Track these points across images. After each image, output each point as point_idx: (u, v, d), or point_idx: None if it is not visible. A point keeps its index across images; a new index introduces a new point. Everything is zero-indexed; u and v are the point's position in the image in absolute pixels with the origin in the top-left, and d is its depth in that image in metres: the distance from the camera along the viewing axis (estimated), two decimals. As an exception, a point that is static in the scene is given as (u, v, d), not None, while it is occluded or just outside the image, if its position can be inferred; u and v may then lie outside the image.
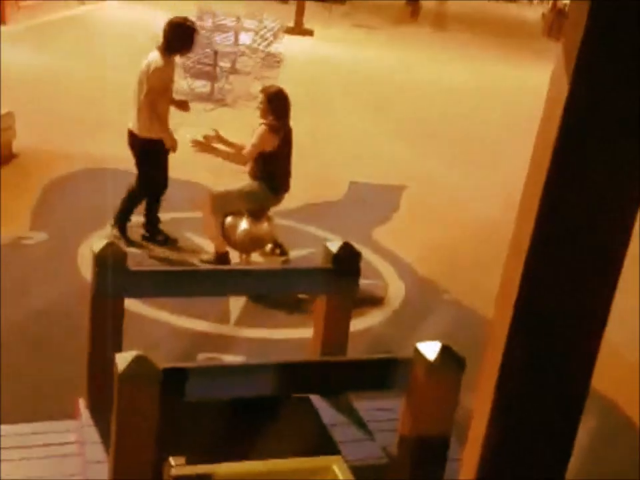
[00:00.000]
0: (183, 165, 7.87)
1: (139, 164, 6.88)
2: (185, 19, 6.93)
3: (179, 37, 6.74)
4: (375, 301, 6.43)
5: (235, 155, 6.57)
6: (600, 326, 1.88)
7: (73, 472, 3.67)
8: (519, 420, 1.93)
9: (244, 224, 6.46)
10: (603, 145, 1.72)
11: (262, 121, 6.43)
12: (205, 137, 6.56)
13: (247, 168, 6.54)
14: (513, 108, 14.76)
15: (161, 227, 7.10)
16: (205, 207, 6.52)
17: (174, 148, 6.78)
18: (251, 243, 6.56)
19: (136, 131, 6.76)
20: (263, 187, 6.45)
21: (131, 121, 6.81)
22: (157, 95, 6.64)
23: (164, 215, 7.19)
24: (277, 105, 6.42)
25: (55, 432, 3.95)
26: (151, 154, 6.80)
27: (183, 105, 7.12)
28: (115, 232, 6.80)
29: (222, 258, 6.52)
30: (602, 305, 1.86)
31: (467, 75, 17.93)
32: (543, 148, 1.76)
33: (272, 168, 6.46)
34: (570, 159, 1.73)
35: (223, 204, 6.44)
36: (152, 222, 7.05)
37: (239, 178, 6.76)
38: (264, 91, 6.62)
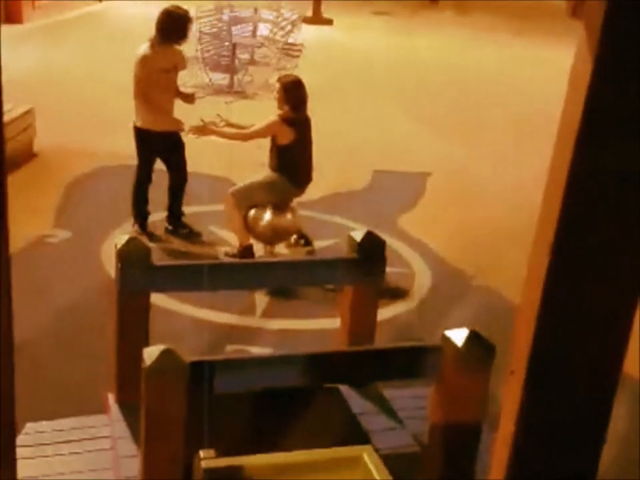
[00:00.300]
0: (203, 159, 7.87)
1: (138, 153, 6.93)
2: (178, 8, 6.82)
3: (172, 25, 6.65)
4: (402, 290, 6.39)
5: (235, 133, 6.61)
6: (630, 310, 1.84)
7: (104, 467, 3.68)
8: (549, 409, 1.90)
9: (267, 216, 6.44)
10: (628, 125, 1.68)
11: (279, 111, 6.41)
12: (203, 122, 6.55)
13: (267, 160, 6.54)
14: (540, 92, 14.63)
15: (185, 220, 7.09)
16: (226, 201, 6.51)
17: (181, 128, 6.73)
18: (274, 235, 6.54)
19: (136, 123, 6.80)
20: (282, 179, 6.43)
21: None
22: (146, 85, 6.58)
23: (187, 209, 7.19)
24: (293, 95, 6.38)
25: (85, 427, 3.97)
26: (144, 144, 6.81)
27: (188, 98, 7.03)
28: (136, 229, 6.80)
29: (246, 251, 6.50)
30: (633, 288, 1.82)
31: (492, 59, 17.79)
32: (568, 128, 1.72)
33: (290, 160, 6.44)
34: (594, 139, 1.69)
35: (245, 197, 6.43)
36: (175, 215, 7.04)
37: (258, 171, 6.74)
38: (280, 80, 6.58)
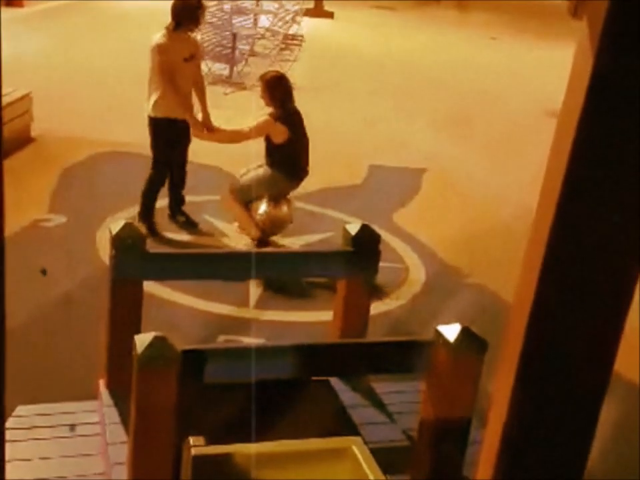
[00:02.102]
0: (203, 150, 7.85)
1: (153, 146, 6.77)
2: None
3: (184, 12, 6.58)
4: (395, 284, 6.40)
5: (229, 135, 6.61)
6: (623, 309, 1.85)
7: (93, 452, 3.69)
8: (539, 404, 1.90)
9: (263, 207, 6.45)
10: (628, 125, 1.68)
11: (268, 109, 6.36)
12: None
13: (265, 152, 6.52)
14: (539, 90, 14.63)
15: (186, 209, 7.09)
16: (225, 198, 6.48)
17: (196, 133, 6.68)
18: (270, 226, 6.55)
19: (150, 113, 6.68)
20: (280, 174, 6.44)
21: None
22: (164, 72, 6.48)
23: (198, 198, 7.20)
24: (278, 91, 6.31)
25: (75, 412, 3.97)
26: (163, 135, 6.66)
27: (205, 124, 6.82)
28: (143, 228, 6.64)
29: (261, 243, 6.51)
30: (626, 287, 1.83)
31: (492, 57, 17.78)
32: (566, 127, 1.73)
33: (287, 157, 6.44)
34: (593, 139, 1.70)
35: (244, 194, 6.42)
36: (176, 202, 7.03)
37: (251, 162, 6.75)
38: (262, 78, 6.50)
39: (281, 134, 6.30)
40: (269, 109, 6.36)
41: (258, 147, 6.63)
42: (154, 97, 6.58)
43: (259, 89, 6.62)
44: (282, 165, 6.41)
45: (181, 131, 6.66)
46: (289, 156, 6.42)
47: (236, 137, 6.55)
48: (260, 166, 6.52)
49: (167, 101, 6.53)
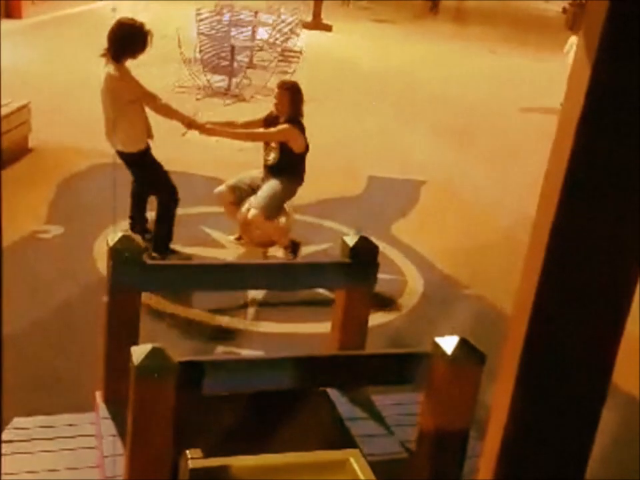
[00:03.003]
0: (198, 160, 7.87)
1: (149, 177, 6.42)
2: (134, 20, 6.17)
3: (131, 39, 6.01)
4: (393, 296, 6.39)
5: (241, 133, 6.54)
6: (621, 319, 1.84)
7: (89, 464, 3.66)
8: (538, 416, 1.90)
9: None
10: (626, 131, 1.68)
11: (282, 116, 6.38)
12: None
13: (270, 161, 6.48)
14: (536, 102, 14.66)
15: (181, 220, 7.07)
16: (257, 219, 6.36)
17: (211, 131, 6.43)
18: (268, 238, 6.55)
19: (130, 149, 6.21)
20: (291, 184, 6.47)
21: (115, 142, 6.20)
22: (130, 105, 6.02)
23: (189, 210, 7.18)
24: (297, 98, 6.39)
25: (72, 424, 3.95)
26: (151, 161, 6.31)
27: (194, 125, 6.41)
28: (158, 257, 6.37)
29: (295, 246, 6.60)
30: (624, 298, 1.82)
31: (490, 69, 17.84)
32: (564, 137, 1.72)
33: (301, 166, 6.52)
34: (591, 147, 1.70)
35: (273, 209, 6.40)
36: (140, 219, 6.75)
37: (244, 170, 6.75)
38: (284, 85, 6.55)
39: (299, 143, 6.35)
40: (283, 119, 6.36)
41: (254, 156, 6.63)
42: (129, 131, 6.14)
43: (257, 100, 6.64)
44: (295, 174, 6.45)
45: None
46: (303, 165, 6.50)
47: (249, 136, 6.55)
48: (263, 178, 6.48)
49: (142, 128, 6.20)
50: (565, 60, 15.42)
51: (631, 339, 2.13)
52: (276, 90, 6.53)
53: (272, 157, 6.46)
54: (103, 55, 6.08)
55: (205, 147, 8.68)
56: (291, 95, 6.38)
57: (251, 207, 6.32)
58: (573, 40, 15.83)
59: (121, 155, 6.25)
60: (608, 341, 1.86)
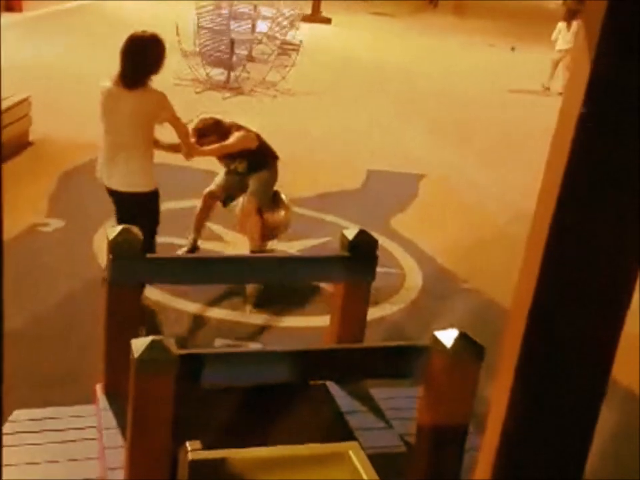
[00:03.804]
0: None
1: (151, 223, 5.26)
2: (150, 33, 5.30)
3: (158, 55, 5.24)
4: (392, 290, 6.40)
5: (217, 148, 6.15)
6: (620, 315, 1.85)
7: (90, 456, 3.68)
8: (537, 410, 1.90)
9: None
10: (626, 127, 1.69)
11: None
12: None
13: (242, 168, 6.40)
14: (536, 96, 14.66)
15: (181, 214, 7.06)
16: (248, 207, 6.33)
17: (187, 152, 5.73)
18: (266, 231, 6.54)
19: (142, 188, 5.22)
20: (271, 168, 6.44)
21: (117, 179, 5.23)
22: (152, 131, 5.31)
23: (178, 204, 7.18)
24: (216, 128, 6.15)
25: (72, 416, 3.96)
26: (157, 204, 5.38)
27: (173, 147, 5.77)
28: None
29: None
30: (624, 294, 1.83)
31: (488, 62, 17.82)
32: (564, 132, 1.73)
33: (267, 148, 6.44)
34: (591, 142, 1.70)
35: (265, 197, 6.40)
36: None
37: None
38: (197, 132, 6.04)
39: (254, 138, 6.29)
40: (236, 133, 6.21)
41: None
42: (146, 164, 5.26)
43: (256, 93, 6.59)
44: (268, 160, 6.41)
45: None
46: (266, 146, 6.43)
47: (223, 149, 6.36)
48: (247, 174, 6.43)
49: (150, 165, 5.34)
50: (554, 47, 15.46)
51: (631, 335, 2.14)
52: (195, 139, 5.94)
53: (242, 166, 6.40)
54: (121, 78, 5.16)
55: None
56: (213, 133, 6.14)
57: (245, 197, 6.35)
58: (560, 26, 15.81)
59: (127, 196, 5.20)
60: (607, 337, 1.86)
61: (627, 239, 1.78)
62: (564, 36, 15.39)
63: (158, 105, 5.16)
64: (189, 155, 5.75)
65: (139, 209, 5.19)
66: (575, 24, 14.97)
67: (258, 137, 6.36)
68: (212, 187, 6.49)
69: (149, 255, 4.13)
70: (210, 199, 6.47)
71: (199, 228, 6.45)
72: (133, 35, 5.24)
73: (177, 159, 7.73)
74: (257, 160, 6.35)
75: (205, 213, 6.48)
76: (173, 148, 5.76)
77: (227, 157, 6.35)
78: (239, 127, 6.31)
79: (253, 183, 6.37)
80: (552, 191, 1.76)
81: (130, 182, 5.18)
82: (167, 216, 7.09)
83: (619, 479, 4.39)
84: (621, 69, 1.64)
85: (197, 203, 6.53)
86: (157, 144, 5.47)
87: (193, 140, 5.77)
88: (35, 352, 4.94)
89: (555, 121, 1.76)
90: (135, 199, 5.19)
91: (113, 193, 5.27)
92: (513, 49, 19.83)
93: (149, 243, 5.02)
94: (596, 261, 1.80)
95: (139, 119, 5.13)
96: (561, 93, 14.01)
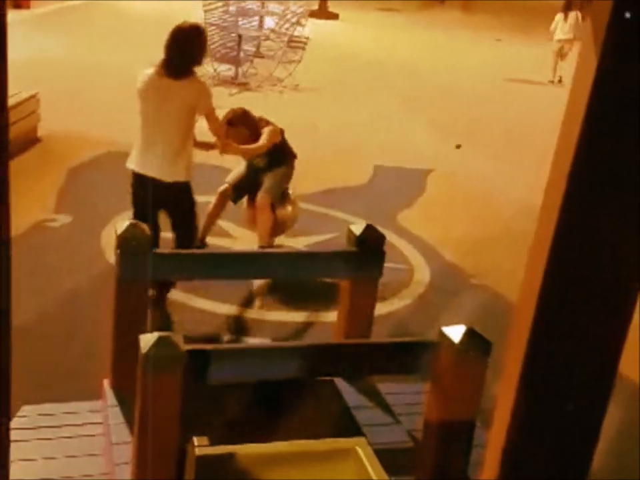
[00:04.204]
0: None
1: (187, 213, 5.45)
2: (193, 22, 5.51)
3: (204, 43, 5.44)
4: (400, 285, 6.39)
5: (254, 147, 6.22)
6: (627, 311, 1.84)
7: (97, 452, 3.69)
8: (544, 406, 1.90)
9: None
10: (633, 124, 1.68)
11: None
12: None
13: (262, 164, 6.43)
14: (543, 91, 14.62)
15: None
16: (263, 208, 6.36)
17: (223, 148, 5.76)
18: (273, 227, 6.54)
19: (180, 177, 5.25)
20: (287, 168, 6.47)
21: (155, 167, 5.23)
22: (193, 124, 5.36)
23: (202, 198, 7.17)
24: (247, 120, 6.28)
25: (79, 412, 3.97)
26: (191, 194, 5.43)
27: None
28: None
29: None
30: (630, 291, 1.83)
31: (495, 58, 17.77)
32: (570, 126, 1.72)
33: (288, 147, 6.50)
34: (597, 139, 1.69)
35: (277, 193, 6.43)
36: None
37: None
38: (228, 121, 6.18)
39: (279, 133, 6.35)
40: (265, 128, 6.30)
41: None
42: (187, 155, 5.30)
43: (263, 89, 6.60)
44: (287, 157, 6.45)
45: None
46: (287, 144, 6.50)
47: (258, 149, 6.32)
48: (265, 170, 6.46)
49: (189, 155, 5.36)
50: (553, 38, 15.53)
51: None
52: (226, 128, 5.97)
53: (263, 162, 6.42)
54: (166, 67, 5.18)
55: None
56: (244, 122, 6.24)
57: (260, 193, 6.36)
58: (558, 17, 16.06)
59: (164, 185, 5.20)
60: (614, 332, 1.86)
61: (632, 235, 1.78)
62: (562, 27, 15.93)
63: (200, 94, 5.20)
64: (223, 152, 5.77)
65: (174, 197, 5.27)
66: (571, 15, 15.76)
67: (282, 132, 6.40)
68: (226, 185, 6.51)
69: (156, 251, 4.13)
70: (224, 197, 6.49)
71: (210, 225, 6.46)
72: (180, 25, 5.28)
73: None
74: (277, 157, 6.39)
75: (218, 210, 6.50)
76: (206, 146, 5.81)
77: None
78: (267, 122, 6.38)
79: (268, 179, 6.39)
80: (558, 187, 1.75)
81: (169, 171, 5.19)
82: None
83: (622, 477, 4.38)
84: (627, 66, 1.64)
85: (202, 199, 6.51)
86: (194, 141, 5.45)
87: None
88: (41, 348, 4.95)
89: (561, 115, 1.76)
90: (173, 187, 5.21)
91: (148, 181, 5.21)
92: (498, 40, 20.03)
93: (188, 236, 5.44)
94: (602, 257, 1.80)
95: (183, 108, 5.15)
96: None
